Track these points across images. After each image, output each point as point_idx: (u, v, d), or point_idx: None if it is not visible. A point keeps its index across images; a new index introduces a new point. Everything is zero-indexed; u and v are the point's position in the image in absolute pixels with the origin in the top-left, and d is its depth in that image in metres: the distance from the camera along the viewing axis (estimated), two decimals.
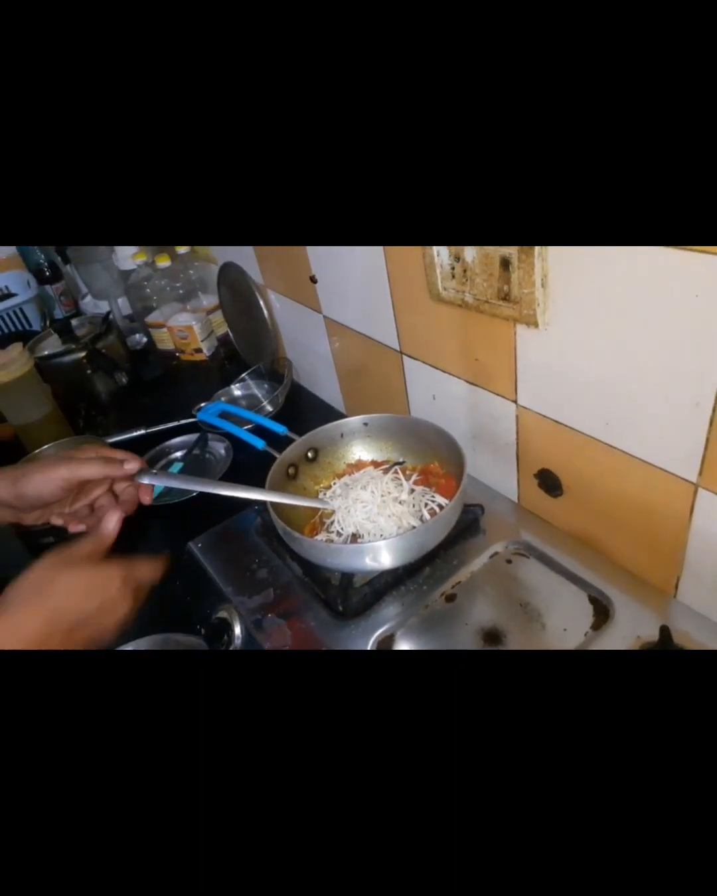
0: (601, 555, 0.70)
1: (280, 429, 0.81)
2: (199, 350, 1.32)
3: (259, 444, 0.79)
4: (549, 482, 0.75)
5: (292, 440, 0.79)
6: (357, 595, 0.67)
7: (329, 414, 1.16)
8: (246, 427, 0.89)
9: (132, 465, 0.58)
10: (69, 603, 0.46)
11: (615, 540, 0.70)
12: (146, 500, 0.60)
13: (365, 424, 0.81)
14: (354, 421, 0.80)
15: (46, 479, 0.55)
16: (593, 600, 0.64)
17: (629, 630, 0.59)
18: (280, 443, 0.81)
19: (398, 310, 0.84)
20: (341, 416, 1.14)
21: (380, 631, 0.64)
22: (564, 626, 0.61)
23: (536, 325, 0.63)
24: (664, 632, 0.56)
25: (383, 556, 0.62)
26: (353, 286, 0.91)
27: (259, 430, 0.85)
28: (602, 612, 0.62)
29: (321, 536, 0.68)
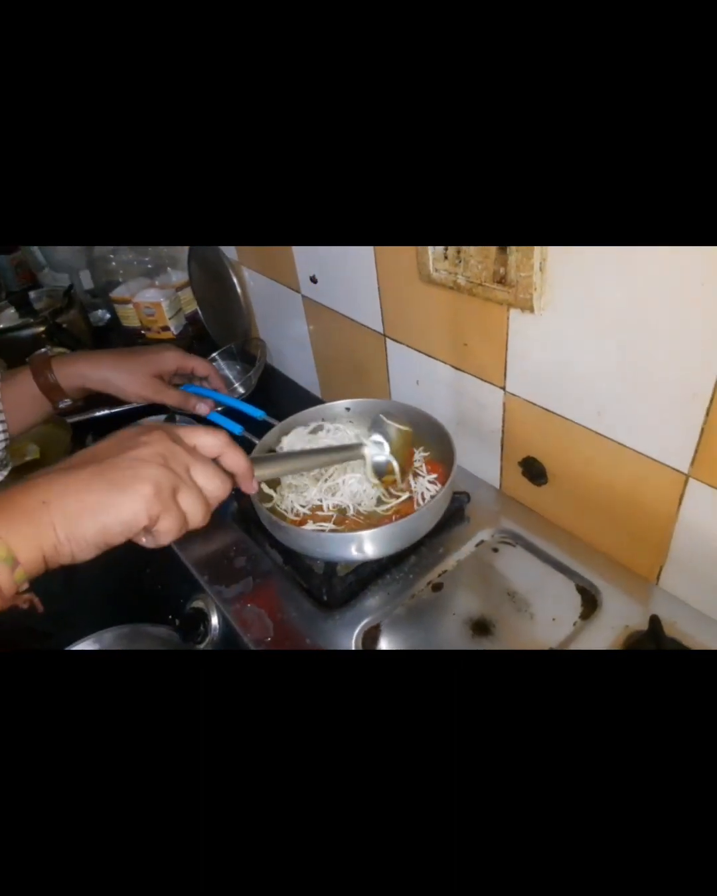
0: (585, 543, 0.70)
1: (257, 413, 0.78)
2: (166, 328, 1.27)
3: (237, 429, 0.76)
4: (533, 470, 0.74)
5: (271, 425, 0.76)
6: (341, 584, 0.65)
7: (304, 397, 1.13)
8: (217, 409, 0.85)
9: (203, 407, 0.79)
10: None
11: (599, 528, 0.69)
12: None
13: (347, 409, 0.78)
14: (336, 406, 0.78)
15: (136, 395, 0.75)
16: (580, 590, 0.63)
17: (618, 620, 0.59)
18: (257, 428, 0.78)
19: (384, 291, 0.81)
20: (317, 399, 1.12)
21: (365, 621, 0.63)
22: (553, 615, 0.61)
23: (531, 310, 0.62)
24: (654, 622, 0.56)
25: (370, 546, 0.60)
26: (336, 266, 0.88)
27: (231, 413, 0.81)
28: (590, 602, 0.62)
29: (311, 527, 0.65)
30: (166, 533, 0.39)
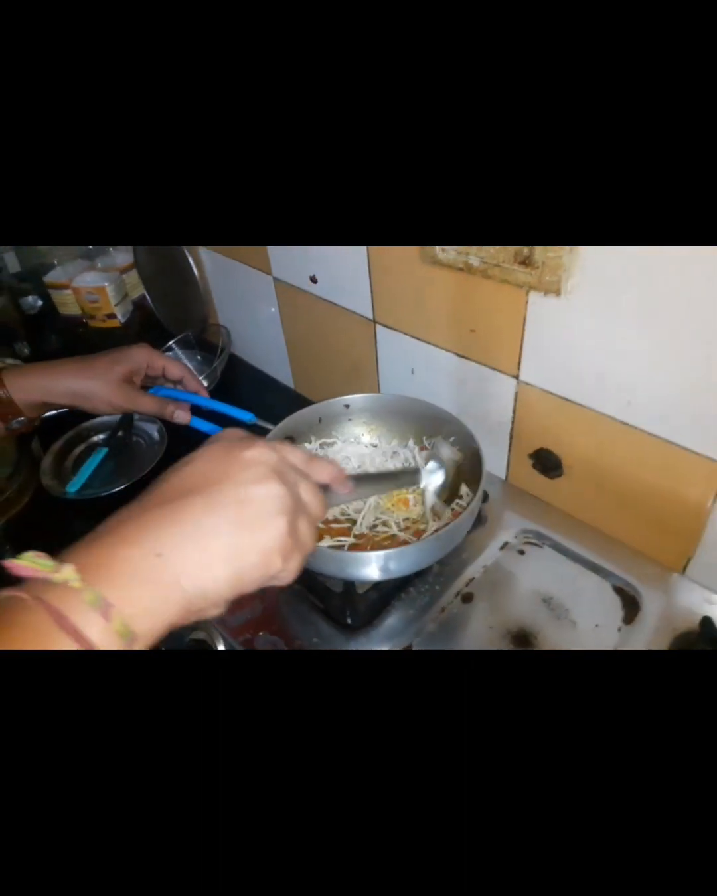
0: (607, 536, 0.67)
1: (245, 416, 0.69)
2: (112, 315, 1.14)
3: None
4: (548, 463, 0.70)
5: (263, 429, 0.68)
6: (364, 603, 0.59)
7: (276, 391, 1.05)
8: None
9: (182, 415, 0.69)
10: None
11: (621, 520, 0.66)
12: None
13: (346, 407, 0.71)
14: (334, 403, 0.71)
15: (106, 404, 0.65)
16: (618, 590, 0.60)
17: (664, 621, 0.56)
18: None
19: (376, 274, 0.74)
20: (292, 392, 1.04)
21: (396, 642, 0.57)
22: (595, 621, 0.57)
23: (558, 292, 0.56)
24: (707, 624, 0.53)
25: (399, 563, 0.54)
26: (318, 247, 0.79)
27: (211, 416, 0.72)
28: (631, 603, 0.58)
29: (327, 542, 0.58)
30: (293, 572, 0.32)
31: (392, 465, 0.68)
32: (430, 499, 0.60)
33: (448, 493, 0.61)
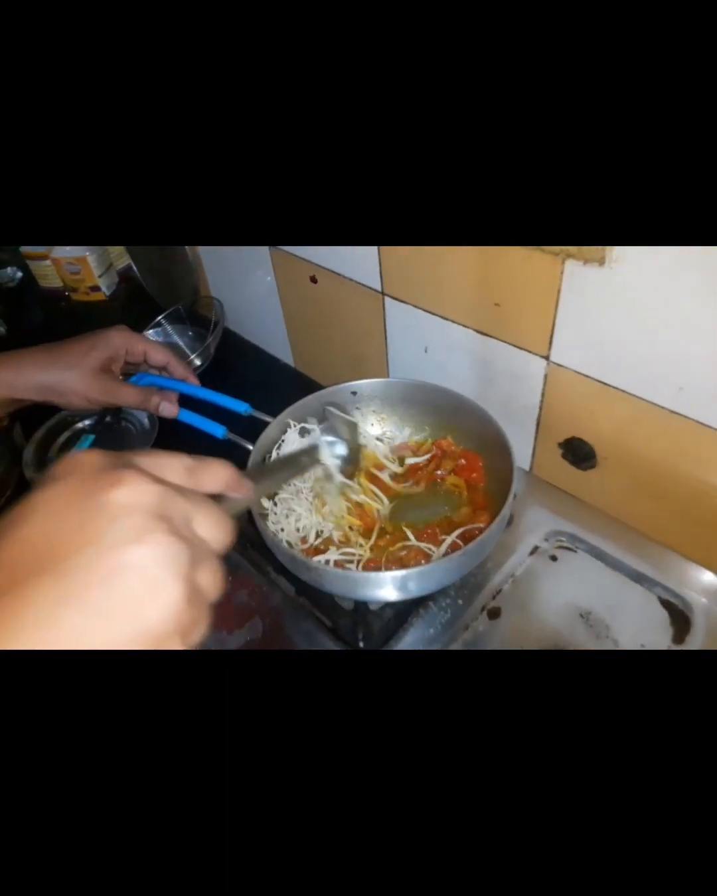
0: (645, 536, 0.60)
1: (240, 407, 0.61)
2: (96, 288, 1.05)
3: (218, 431, 0.59)
4: (579, 453, 0.63)
5: (260, 421, 0.60)
6: (378, 622, 0.52)
7: (275, 369, 0.96)
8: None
9: (169, 407, 0.61)
10: None
11: (660, 516, 0.59)
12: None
13: (353, 393, 0.63)
14: (340, 390, 0.62)
15: (81, 398, 0.57)
16: (665, 603, 0.53)
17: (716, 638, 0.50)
18: (242, 425, 0.61)
19: None
20: (292, 371, 0.95)
21: None
22: (640, 640, 0.50)
23: (600, 262, 0.48)
24: None
25: (415, 583, 0.47)
26: None
27: (201, 407, 0.64)
28: (680, 619, 0.52)
29: (333, 554, 0.51)
30: (200, 637, 0.24)
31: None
32: (334, 475, 0.54)
33: (352, 468, 0.56)
